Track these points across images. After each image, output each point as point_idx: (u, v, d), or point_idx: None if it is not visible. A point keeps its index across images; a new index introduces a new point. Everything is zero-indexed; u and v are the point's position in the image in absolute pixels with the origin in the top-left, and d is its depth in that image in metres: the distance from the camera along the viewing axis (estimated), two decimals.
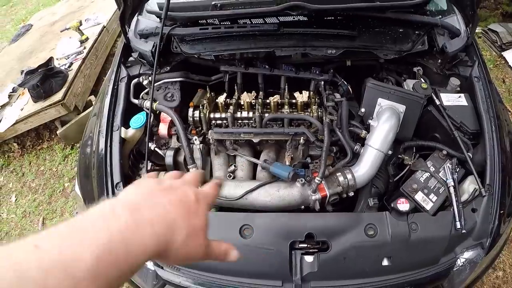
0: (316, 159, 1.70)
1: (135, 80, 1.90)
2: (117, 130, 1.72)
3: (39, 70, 3.66)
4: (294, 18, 1.79)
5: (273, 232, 1.37)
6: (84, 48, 4.04)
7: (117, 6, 1.78)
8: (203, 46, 1.86)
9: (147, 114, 1.75)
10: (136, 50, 1.94)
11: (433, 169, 1.55)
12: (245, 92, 1.85)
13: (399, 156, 1.64)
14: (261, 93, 1.89)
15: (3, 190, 3.76)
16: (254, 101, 1.79)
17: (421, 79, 1.84)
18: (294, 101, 1.78)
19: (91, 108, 3.60)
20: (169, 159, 1.69)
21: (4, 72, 4.90)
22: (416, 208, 1.46)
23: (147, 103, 1.76)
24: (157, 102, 1.79)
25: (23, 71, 4.34)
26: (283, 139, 1.70)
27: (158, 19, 2.08)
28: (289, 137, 1.67)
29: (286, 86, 1.86)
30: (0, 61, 5.34)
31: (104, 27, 4.44)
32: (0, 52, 5.80)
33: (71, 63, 3.83)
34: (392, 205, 1.44)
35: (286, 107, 1.75)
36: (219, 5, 1.90)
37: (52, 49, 4.60)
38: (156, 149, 1.80)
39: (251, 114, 1.74)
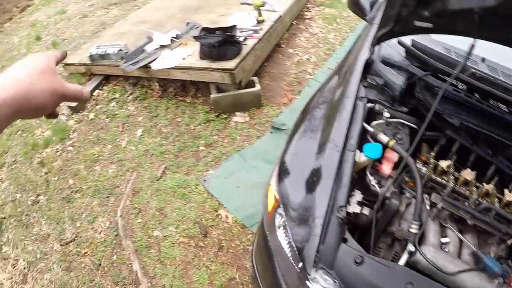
0: None
1: (369, 104, 1.78)
2: (352, 151, 1.59)
3: (218, 32, 3.64)
4: None
5: None
6: (261, 29, 4.00)
7: (380, 23, 1.67)
8: (449, 105, 1.72)
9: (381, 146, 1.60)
10: (380, 75, 1.85)
11: None
12: (468, 170, 1.68)
13: None
14: (473, 173, 1.71)
15: (130, 120, 3.75)
16: (471, 179, 1.61)
17: None
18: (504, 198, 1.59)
19: (254, 89, 3.54)
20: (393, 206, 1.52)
21: (165, 16, 4.98)
22: None
23: (381, 137, 1.61)
24: (393, 142, 1.61)
25: (188, 22, 4.39)
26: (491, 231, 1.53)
27: (403, 53, 1.95)
28: (499, 233, 1.49)
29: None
30: (165, 4, 5.45)
31: (280, 16, 4.40)
32: None
33: (246, 38, 3.79)
34: None
35: (495, 199, 1.58)
36: (478, 75, 1.75)
37: (221, 15, 4.62)
38: (376, 185, 1.65)
39: (467, 192, 1.59)
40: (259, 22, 4.19)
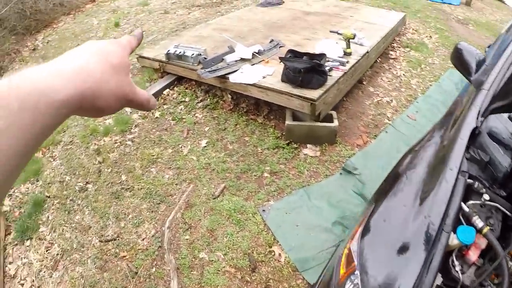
0: None
1: (469, 181, 1.58)
2: (447, 232, 1.41)
3: (305, 57, 3.42)
4: None
5: None
6: (348, 62, 3.74)
7: (497, 95, 1.43)
8: None
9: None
10: (484, 149, 1.68)
11: None
12: None
13: None
14: None
15: (196, 127, 3.57)
16: None
17: None
18: None
19: (332, 124, 3.28)
20: None
21: (248, 28, 4.85)
22: None
23: (476, 221, 1.42)
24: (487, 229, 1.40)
25: (272, 40, 4.21)
26: None
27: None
28: None
29: None
30: (248, 16, 5.34)
31: (367, 52, 4.13)
32: (245, 8, 5.85)
33: (331, 69, 3.53)
34: None
35: None
36: None
37: (306, 39, 4.42)
38: (459, 271, 1.42)
39: None
40: (346, 54, 3.94)
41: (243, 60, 3.80)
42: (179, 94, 4.03)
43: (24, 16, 6.66)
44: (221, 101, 3.83)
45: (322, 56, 3.44)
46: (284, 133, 3.40)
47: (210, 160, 3.22)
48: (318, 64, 3.26)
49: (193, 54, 3.91)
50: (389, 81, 4.60)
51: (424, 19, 6.74)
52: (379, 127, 3.79)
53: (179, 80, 4.20)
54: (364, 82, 4.41)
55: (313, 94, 3.17)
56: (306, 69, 3.16)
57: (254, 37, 4.54)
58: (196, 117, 3.70)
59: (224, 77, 3.57)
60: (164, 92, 4.06)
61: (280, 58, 3.37)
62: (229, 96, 3.84)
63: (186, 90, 4.05)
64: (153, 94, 3.88)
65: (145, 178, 3.11)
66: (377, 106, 4.09)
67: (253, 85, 3.42)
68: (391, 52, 5.21)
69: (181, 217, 2.79)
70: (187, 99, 3.94)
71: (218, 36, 4.65)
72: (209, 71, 3.60)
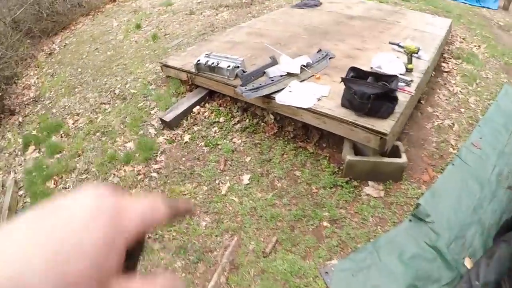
0: None
1: None
2: None
3: (370, 78, 2.80)
4: None
5: None
6: (412, 80, 3.10)
7: None
8: None
9: None
10: None
11: None
12: None
13: None
14: None
15: (235, 157, 2.96)
16: None
17: None
18: None
19: (400, 160, 2.67)
20: None
21: (287, 33, 4.23)
22: None
23: None
24: None
25: (320, 50, 3.59)
26: None
27: None
28: None
29: None
30: (285, 19, 4.71)
31: (428, 67, 3.49)
32: (279, 9, 5.21)
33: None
34: None
35: None
36: None
37: (357, 49, 3.79)
38: None
39: None
40: (408, 70, 3.30)
41: (289, 74, 3.18)
42: (211, 112, 3.42)
43: (41, 18, 6.12)
44: (262, 123, 3.21)
45: (393, 78, 2.80)
46: (341, 168, 2.78)
47: (256, 202, 2.61)
48: (391, 89, 2.62)
49: (229, 66, 3.29)
50: (446, 99, 3.96)
51: (468, 26, 6.08)
52: (444, 158, 3.17)
53: (211, 94, 3.59)
54: (422, 101, 3.77)
55: (384, 126, 2.54)
56: (376, 95, 2.53)
57: (296, 44, 3.91)
58: (234, 143, 3.09)
59: (269, 97, 2.94)
60: (194, 110, 3.45)
61: (342, 79, 2.73)
62: (271, 116, 3.22)
63: (220, 108, 3.43)
64: (182, 113, 3.27)
65: (178, 226, 2.51)
66: (438, 131, 3.46)
67: (308, 109, 2.79)
68: (443, 64, 4.56)
69: (226, 282, 2.18)
70: (221, 120, 3.33)
71: (254, 42, 4.03)
72: (250, 90, 2.98)
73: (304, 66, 3.24)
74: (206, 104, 3.52)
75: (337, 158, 2.86)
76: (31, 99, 4.67)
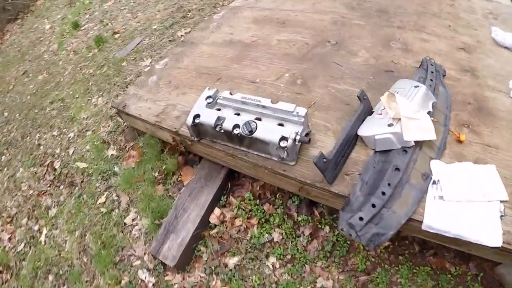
0: None
1: None
2: None
3: None
4: None
5: None
6: None
7: None
8: None
9: None
10: None
11: None
12: None
13: None
14: None
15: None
16: None
17: None
18: None
19: None
20: None
21: (323, 14, 2.40)
22: None
23: None
24: None
25: (428, 60, 1.82)
26: None
27: None
28: None
29: None
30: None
31: None
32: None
33: None
34: None
35: None
36: None
37: (460, 48, 2.04)
38: None
39: None
40: None
41: (417, 144, 1.41)
42: (247, 217, 1.67)
43: None
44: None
45: None
46: None
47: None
48: None
49: (283, 140, 1.45)
50: None
51: None
52: None
53: (230, 177, 1.82)
54: None
55: None
56: None
57: (358, 42, 2.12)
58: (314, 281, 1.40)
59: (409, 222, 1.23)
60: (213, 215, 1.70)
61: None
62: None
63: (264, 206, 1.68)
64: (193, 237, 1.55)
65: None
66: None
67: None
68: None
69: None
70: (275, 236, 1.60)
71: (277, 40, 2.21)
72: (366, 225, 1.24)
73: (430, 112, 1.48)
74: (231, 197, 1.76)
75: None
76: None
